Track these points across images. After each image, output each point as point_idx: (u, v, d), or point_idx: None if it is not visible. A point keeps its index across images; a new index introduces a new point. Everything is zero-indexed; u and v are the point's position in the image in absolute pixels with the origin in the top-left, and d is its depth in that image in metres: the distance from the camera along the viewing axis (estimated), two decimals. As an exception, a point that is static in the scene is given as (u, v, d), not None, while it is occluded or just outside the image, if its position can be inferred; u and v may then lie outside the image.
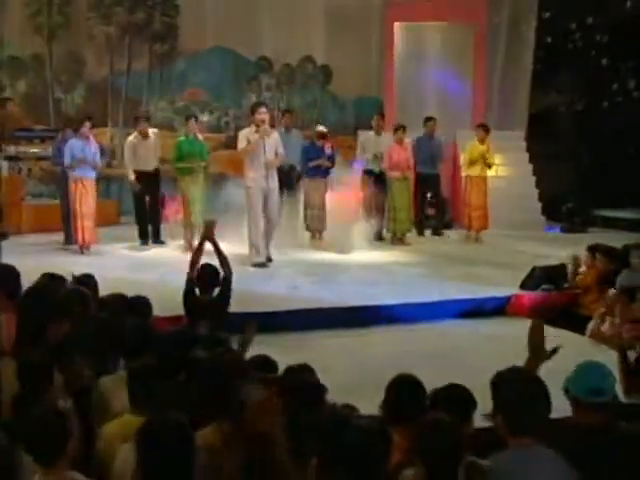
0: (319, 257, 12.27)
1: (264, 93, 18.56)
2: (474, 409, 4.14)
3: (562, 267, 8.88)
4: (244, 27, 17.88)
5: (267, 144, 11.36)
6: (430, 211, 15.30)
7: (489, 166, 14.35)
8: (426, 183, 14.87)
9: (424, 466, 3.50)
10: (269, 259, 11.75)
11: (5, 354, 5.06)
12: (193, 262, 6.85)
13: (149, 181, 13.40)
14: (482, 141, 14.38)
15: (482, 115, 18.22)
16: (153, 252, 12.76)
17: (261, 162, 11.33)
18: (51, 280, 6.28)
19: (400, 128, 14.25)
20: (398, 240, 13.70)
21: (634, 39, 17.12)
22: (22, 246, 12.41)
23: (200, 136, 13.62)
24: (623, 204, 16.13)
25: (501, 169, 16.21)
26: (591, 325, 7.46)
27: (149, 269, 10.79)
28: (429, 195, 15.07)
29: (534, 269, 9.31)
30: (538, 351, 4.07)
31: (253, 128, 11.44)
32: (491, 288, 9.25)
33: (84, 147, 12.61)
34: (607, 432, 3.70)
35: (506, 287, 9.27)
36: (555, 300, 8.43)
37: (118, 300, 5.93)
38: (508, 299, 8.88)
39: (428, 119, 15.34)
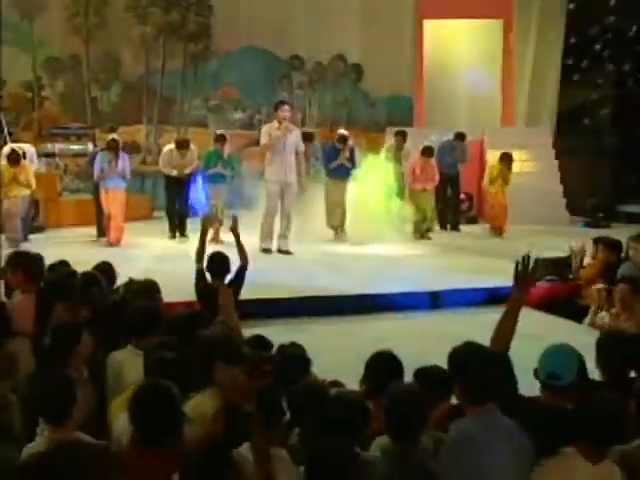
0: (339, 249, 12.62)
1: (296, 91, 18.93)
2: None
3: (566, 259, 9.09)
4: (276, 27, 18.22)
5: (287, 142, 12.03)
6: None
7: (507, 183, 14.63)
8: (446, 182, 15.12)
9: (390, 433, 3.80)
10: (288, 252, 12.20)
11: (22, 333, 5.44)
12: (198, 253, 7.24)
13: (180, 183, 13.86)
14: (504, 167, 14.67)
15: (512, 111, 18.47)
16: (178, 245, 13.15)
17: (281, 157, 11.97)
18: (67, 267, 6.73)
19: (427, 151, 14.51)
20: (420, 234, 13.97)
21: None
22: (57, 238, 13.06)
23: (227, 152, 13.89)
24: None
25: (527, 165, 16.44)
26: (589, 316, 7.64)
27: (171, 260, 11.17)
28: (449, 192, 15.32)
29: (537, 261, 9.51)
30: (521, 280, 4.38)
31: (275, 124, 12.14)
32: (499, 278, 9.52)
33: (111, 160, 12.99)
34: (563, 412, 4.01)
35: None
36: (558, 291, 8.65)
37: (131, 285, 6.33)
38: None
39: (458, 135, 15.70)
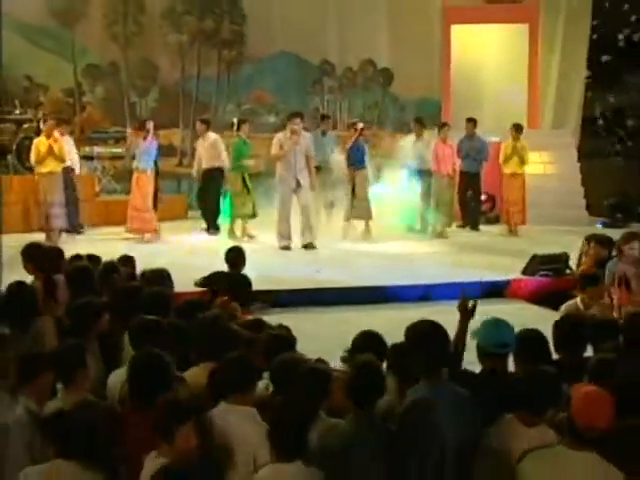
0: (354, 246, 13.27)
1: (326, 96, 19.52)
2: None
3: (562, 255, 9.53)
4: (308, 33, 18.83)
5: (297, 151, 12.81)
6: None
7: (523, 162, 14.97)
8: (467, 180, 15.59)
9: (353, 398, 4.32)
10: (312, 246, 12.79)
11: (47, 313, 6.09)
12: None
13: (205, 177, 14.59)
14: (515, 139, 15.02)
15: (537, 114, 18.83)
16: (206, 240, 13.79)
17: (291, 164, 12.75)
18: (90, 260, 7.42)
19: (444, 126, 14.97)
20: (438, 234, 14.41)
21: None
22: (93, 236, 13.74)
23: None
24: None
25: (549, 167, 16.85)
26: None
27: (195, 255, 11.82)
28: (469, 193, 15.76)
29: (534, 257, 10.07)
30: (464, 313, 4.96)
31: (287, 134, 12.87)
32: (498, 273, 10.03)
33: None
34: (506, 375, 4.54)
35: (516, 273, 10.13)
36: (551, 285, 9.10)
37: (145, 274, 6.98)
38: (508, 283, 9.64)
39: (469, 120, 16.02)
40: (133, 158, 13.91)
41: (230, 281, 7.69)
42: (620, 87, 19.35)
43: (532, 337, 4.91)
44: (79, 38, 18.30)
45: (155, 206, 14.11)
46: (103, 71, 18.62)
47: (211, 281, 8.01)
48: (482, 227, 15.81)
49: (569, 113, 19.01)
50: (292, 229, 12.85)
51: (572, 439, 3.80)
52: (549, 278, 9.35)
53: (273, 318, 6.08)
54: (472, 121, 16.01)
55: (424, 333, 4.40)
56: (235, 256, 7.93)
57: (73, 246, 9.59)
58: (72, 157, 14.45)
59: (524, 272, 10.04)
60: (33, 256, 7.00)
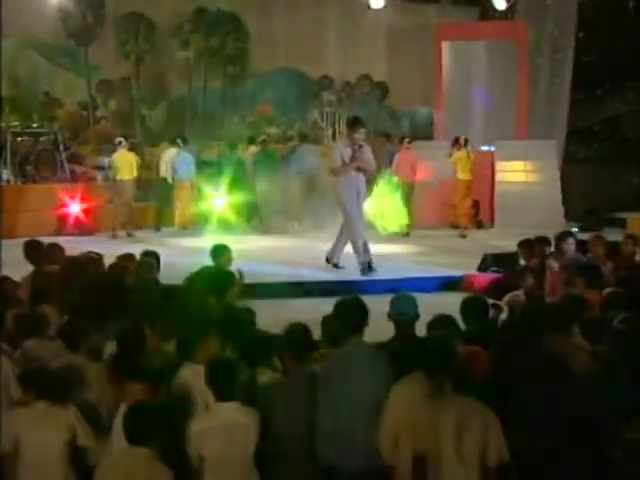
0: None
1: (325, 108, 20.68)
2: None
3: (513, 254, 10.57)
4: (308, 50, 20.13)
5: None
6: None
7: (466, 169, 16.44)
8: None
9: (286, 355, 5.47)
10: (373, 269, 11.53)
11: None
12: None
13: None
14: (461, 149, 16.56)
15: (524, 126, 19.88)
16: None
17: (352, 179, 11.34)
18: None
19: (405, 138, 16.69)
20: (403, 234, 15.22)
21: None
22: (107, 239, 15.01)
23: None
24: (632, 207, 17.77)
25: (531, 175, 17.96)
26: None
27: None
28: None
29: (487, 256, 11.28)
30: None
31: (347, 144, 11.40)
32: (454, 270, 11.19)
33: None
34: (412, 338, 5.69)
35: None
36: (500, 280, 10.17)
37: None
38: (461, 278, 10.77)
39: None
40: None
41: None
42: (602, 101, 20.54)
43: (444, 316, 5.99)
44: (93, 56, 19.52)
45: None
46: (115, 86, 19.86)
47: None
48: (466, 231, 16.87)
49: (554, 125, 20.06)
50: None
51: (458, 387, 4.89)
52: (499, 274, 10.45)
53: (259, 306, 7.12)
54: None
55: (346, 305, 5.54)
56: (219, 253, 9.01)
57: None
58: None
59: (479, 269, 11.20)
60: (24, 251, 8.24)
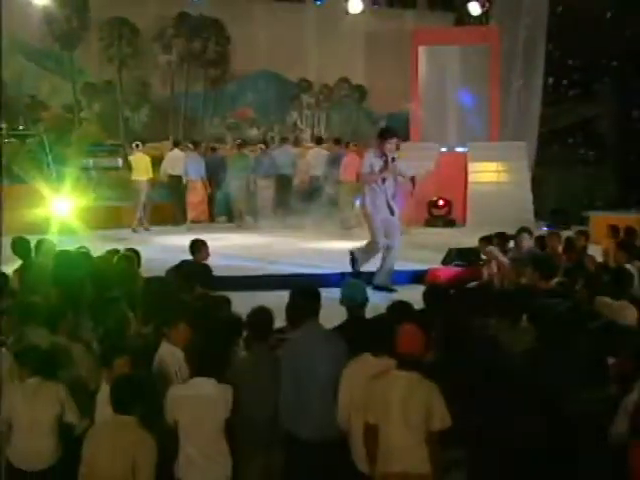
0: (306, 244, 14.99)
1: (305, 111, 21.26)
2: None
3: (474, 249, 11.15)
4: (288, 54, 20.63)
5: (388, 178, 11.11)
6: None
7: None
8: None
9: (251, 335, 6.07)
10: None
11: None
12: None
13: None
14: None
15: (497, 128, 20.51)
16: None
17: (380, 192, 11.04)
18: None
19: (349, 142, 17.63)
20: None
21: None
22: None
23: None
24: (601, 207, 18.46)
25: (503, 175, 18.61)
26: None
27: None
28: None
29: (451, 250, 11.89)
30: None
31: (378, 154, 11.04)
32: (424, 264, 11.78)
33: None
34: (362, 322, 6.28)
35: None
36: (462, 274, 10.77)
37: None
38: (427, 271, 11.35)
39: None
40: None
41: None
42: (574, 103, 21.24)
43: (400, 302, 6.58)
44: (78, 59, 20.02)
45: None
46: (99, 89, 20.33)
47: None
48: (439, 229, 17.50)
49: (526, 126, 20.70)
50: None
51: (400, 364, 5.46)
52: (461, 267, 11.06)
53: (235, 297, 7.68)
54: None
55: (300, 292, 6.12)
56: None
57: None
58: None
59: (443, 262, 11.81)
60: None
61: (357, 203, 14.93)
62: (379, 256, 11.28)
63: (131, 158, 17.31)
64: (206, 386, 5.49)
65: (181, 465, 5.41)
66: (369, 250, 11.20)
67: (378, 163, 10.97)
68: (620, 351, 5.75)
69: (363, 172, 11.14)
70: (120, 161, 18.58)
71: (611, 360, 5.77)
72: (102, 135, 20.15)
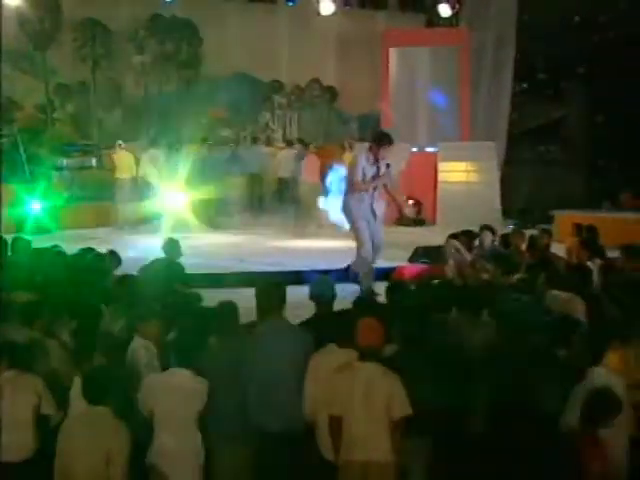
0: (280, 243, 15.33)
1: (276, 111, 21.47)
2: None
3: (440, 247, 11.41)
4: (260, 54, 20.82)
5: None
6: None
7: None
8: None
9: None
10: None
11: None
12: None
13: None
14: None
15: (467, 129, 20.81)
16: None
17: (366, 199, 10.75)
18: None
19: (310, 144, 18.03)
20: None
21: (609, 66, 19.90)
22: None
23: None
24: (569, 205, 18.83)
25: (472, 175, 18.93)
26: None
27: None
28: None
29: (417, 249, 12.20)
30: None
31: (372, 160, 10.67)
32: (393, 262, 12.05)
33: None
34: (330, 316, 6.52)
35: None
36: (427, 271, 11.03)
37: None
38: (394, 269, 11.63)
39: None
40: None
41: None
42: (545, 104, 21.64)
43: (363, 297, 6.85)
44: (51, 60, 20.01)
45: None
46: (73, 90, 20.35)
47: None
48: (410, 228, 17.75)
49: (496, 126, 21.04)
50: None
51: (362, 356, 5.70)
52: (427, 265, 11.35)
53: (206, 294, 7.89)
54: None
55: (264, 289, 6.36)
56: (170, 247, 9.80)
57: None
58: None
59: (409, 260, 12.11)
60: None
61: (320, 204, 15.31)
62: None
63: (114, 156, 17.51)
64: (182, 378, 5.71)
65: (154, 452, 5.63)
66: (362, 255, 10.80)
67: (371, 170, 10.61)
68: (571, 344, 6.04)
69: (355, 180, 10.61)
70: (94, 161, 18.66)
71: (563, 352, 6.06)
72: (75, 135, 20.21)
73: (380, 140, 10.67)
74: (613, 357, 5.88)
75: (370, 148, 10.73)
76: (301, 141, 18.07)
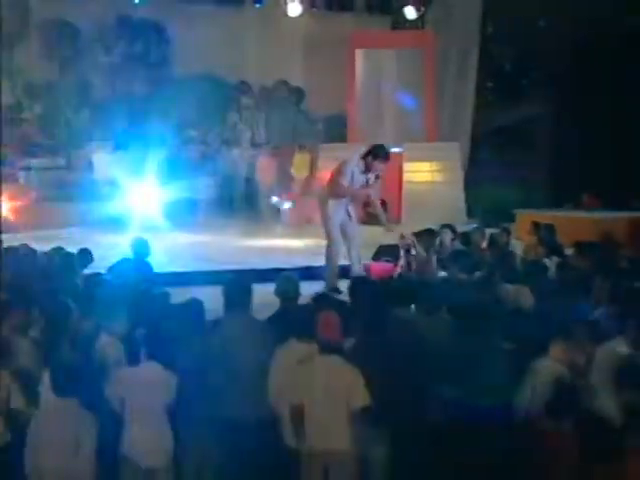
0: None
1: (244, 112, 21.59)
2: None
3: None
4: (227, 55, 20.87)
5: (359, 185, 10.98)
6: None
7: None
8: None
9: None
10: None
11: None
12: None
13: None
14: None
15: (433, 130, 21.05)
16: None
17: (343, 204, 10.95)
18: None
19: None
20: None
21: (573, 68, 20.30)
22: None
23: None
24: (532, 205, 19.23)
25: (436, 175, 19.22)
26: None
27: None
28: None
29: (380, 247, 12.48)
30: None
31: (363, 169, 10.78)
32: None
33: None
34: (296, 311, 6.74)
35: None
36: (388, 268, 11.30)
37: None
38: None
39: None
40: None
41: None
42: (510, 105, 22.01)
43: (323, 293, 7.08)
44: (19, 58, 19.94)
45: None
46: (41, 89, 20.33)
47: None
48: (375, 227, 17.90)
49: (460, 127, 21.36)
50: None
51: (322, 349, 5.93)
52: (389, 263, 11.61)
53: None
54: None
55: (230, 285, 6.57)
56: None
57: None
58: None
59: (372, 258, 12.38)
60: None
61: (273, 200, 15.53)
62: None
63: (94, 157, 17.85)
64: (152, 370, 5.92)
65: (125, 443, 5.83)
66: (330, 254, 10.95)
67: (360, 179, 10.69)
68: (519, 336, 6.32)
69: (342, 183, 10.63)
70: (62, 161, 18.73)
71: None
72: (42, 136, 20.23)
73: (377, 154, 10.77)
74: (556, 350, 6.15)
75: (364, 157, 10.75)
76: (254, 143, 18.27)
